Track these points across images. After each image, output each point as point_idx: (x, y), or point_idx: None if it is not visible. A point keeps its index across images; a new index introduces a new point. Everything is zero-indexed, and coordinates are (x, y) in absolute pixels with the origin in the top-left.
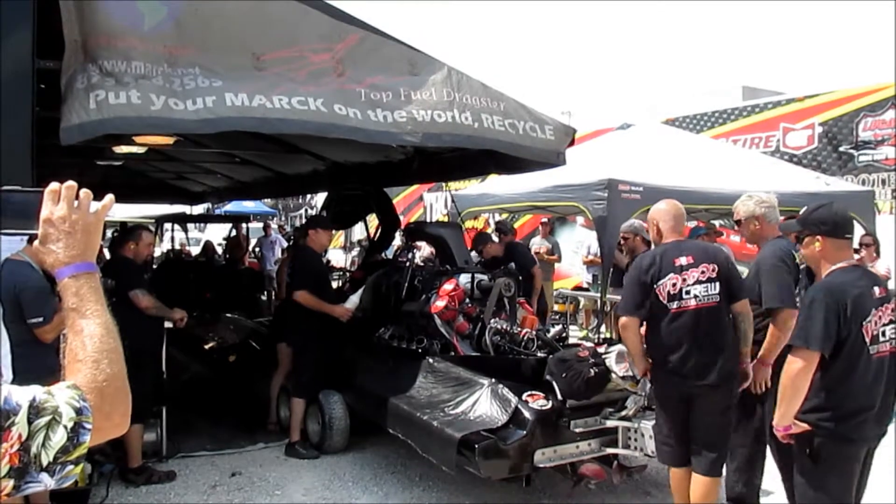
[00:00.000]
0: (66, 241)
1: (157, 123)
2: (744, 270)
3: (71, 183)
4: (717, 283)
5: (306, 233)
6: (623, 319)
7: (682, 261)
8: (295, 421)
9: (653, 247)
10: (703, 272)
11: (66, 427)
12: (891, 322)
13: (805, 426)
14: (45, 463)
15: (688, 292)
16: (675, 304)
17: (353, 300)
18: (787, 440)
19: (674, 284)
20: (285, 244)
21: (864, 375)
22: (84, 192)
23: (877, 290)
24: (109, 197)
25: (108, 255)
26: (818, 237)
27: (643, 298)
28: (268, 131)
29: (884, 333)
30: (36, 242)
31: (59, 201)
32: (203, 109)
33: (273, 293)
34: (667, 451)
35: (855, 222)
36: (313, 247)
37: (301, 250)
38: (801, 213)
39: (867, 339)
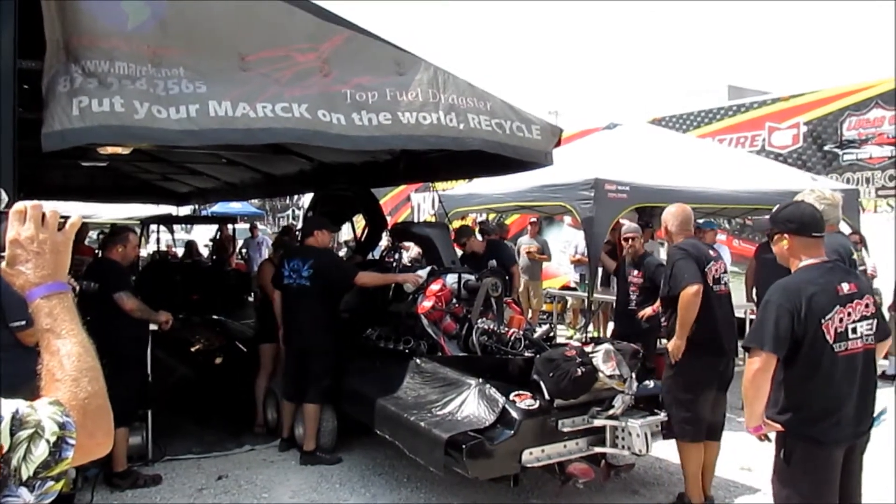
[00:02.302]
0: (36, 261)
1: (140, 133)
2: (735, 270)
3: (36, 202)
4: (726, 275)
5: (311, 233)
6: (695, 287)
7: (711, 253)
8: (312, 429)
9: (666, 245)
10: (722, 266)
11: (48, 441)
12: (863, 318)
13: (777, 426)
14: (24, 477)
15: (722, 280)
16: (717, 287)
17: (422, 274)
18: (763, 439)
19: (716, 270)
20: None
21: (828, 374)
22: (51, 211)
23: (846, 286)
24: (77, 215)
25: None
26: (785, 235)
27: (701, 272)
28: (251, 143)
29: (854, 330)
30: (3, 264)
31: (25, 221)
32: (186, 119)
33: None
34: (692, 429)
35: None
36: (317, 247)
37: (315, 249)
38: (772, 211)
39: (829, 337)
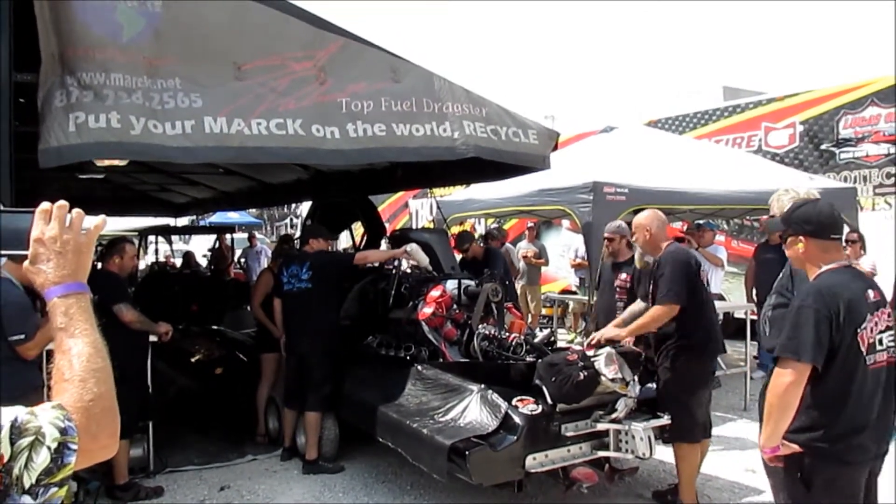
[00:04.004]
0: (57, 260)
1: (136, 149)
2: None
3: (62, 202)
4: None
5: (307, 241)
6: (675, 309)
7: (699, 258)
8: (313, 438)
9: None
10: (705, 270)
11: (49, 448)
12: (887, 328)
13: (795, 447)
14: (27, 485)
15: (708, 282)
16: (708, 289)
17: (415, 245)
18: (775, 462)
19: (705, 272)
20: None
21: (861, 389)
22: (76, 211)
23: (871, 293)
24: (102, 217)
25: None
26: (801, 238)
27: (694, 282)
28: (245, 161)
29: (881, 342)
30: (26, 263)
31: (50, 221)
32: (181, 136)
33: None
34: (693, 431)
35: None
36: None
37: (310, 253)
38: (786, 209)
39: (863, 348)
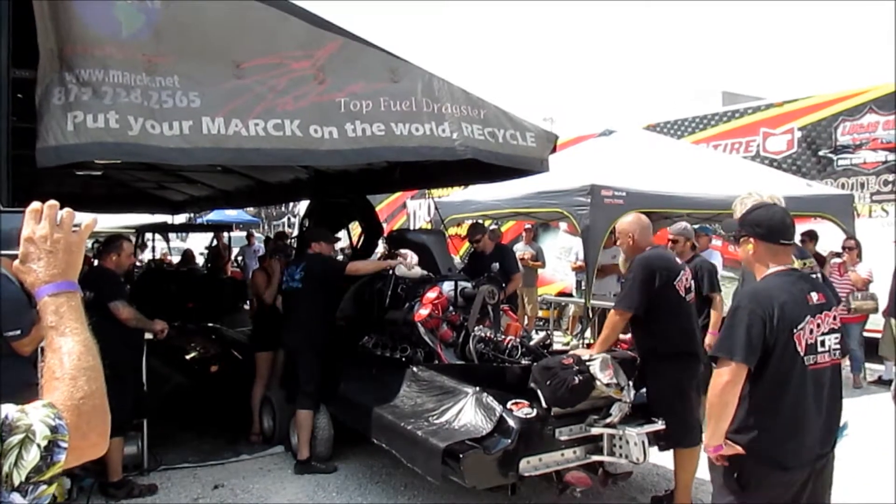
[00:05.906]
0: (48, 259)
1: (134, 151)
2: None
3: (53, 202)
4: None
5: (309, 244)
6: (626, 316)
7: (678, 261)
8: (305, 436)
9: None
10: (689, 273)
11: (39, 446)
12: (831, 331)
13: (738, 448)
14: (16, 483)
15: (692, 288)
16: (689, 296)
17: (412, 257)
18: (721, 461)
19: (686, 280)
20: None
21: (799, 389)
22: (66, 211)
23: (815, 295)
24: (93, 218)
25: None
26: (751, 239)
27: (647, 297)
28: (242, 164)
29: (823, 343)
30: (16, 262)
31: (40, 220)
32: (179, 137)
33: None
34: (690, 434)
35: (835, 226)
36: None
37: (308, 254)
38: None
39: (800, 349)
